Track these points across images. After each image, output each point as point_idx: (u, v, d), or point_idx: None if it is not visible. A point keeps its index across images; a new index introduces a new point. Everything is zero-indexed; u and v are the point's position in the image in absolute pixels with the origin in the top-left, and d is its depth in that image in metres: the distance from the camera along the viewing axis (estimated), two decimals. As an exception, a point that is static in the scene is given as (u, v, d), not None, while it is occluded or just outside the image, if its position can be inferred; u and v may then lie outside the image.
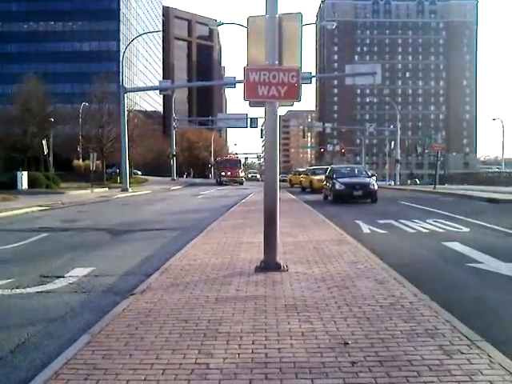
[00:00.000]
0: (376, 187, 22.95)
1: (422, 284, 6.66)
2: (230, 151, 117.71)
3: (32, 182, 37.49)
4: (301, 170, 58.56)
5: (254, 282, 6.80)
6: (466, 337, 4.53)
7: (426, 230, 13.07)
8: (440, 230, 12.98)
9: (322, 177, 29.22)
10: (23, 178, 37.12)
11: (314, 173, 37.22)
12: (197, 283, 6.83)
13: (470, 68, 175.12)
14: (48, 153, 44.99)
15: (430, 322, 4.98)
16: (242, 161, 73.56)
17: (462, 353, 4.16)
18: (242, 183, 56.28)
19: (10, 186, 35.55)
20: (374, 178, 25.35)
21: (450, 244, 10.54)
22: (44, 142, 43.67)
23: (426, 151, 67.39)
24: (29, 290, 7.12)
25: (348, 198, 22.54)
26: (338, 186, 22.89)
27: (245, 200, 26.10)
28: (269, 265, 7.55)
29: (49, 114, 59.35)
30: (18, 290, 7.08)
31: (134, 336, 4.75)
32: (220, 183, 55.57)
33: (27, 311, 6.14)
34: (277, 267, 7.52)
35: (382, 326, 4.91)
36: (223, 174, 57.16)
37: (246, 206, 21.88)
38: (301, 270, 7.58)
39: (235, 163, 59.62)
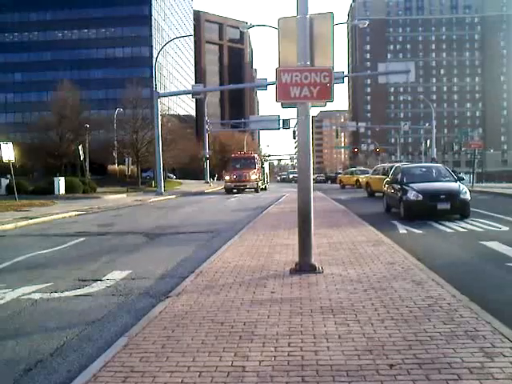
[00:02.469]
0: (469, 196, 15.49)
1: (461, 285, 6.53)
2: (262, 153, 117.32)
3: (69, 188, 38.14)
4: (353, 168, 53.64)
5: (288, 284, 6.77)
6: (508, 339, 4.41)
7: (464, 230, 12.81)
8: (478, 230, 12.71)
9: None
10: (60, 183, 37.81)
11: (388, 172, 24.13)
12: (232, 285, 6.84)
13: (507, 63, 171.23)
14: (84, 158, 45.75)
15: (469, 324, 4.88)
16: (278, 162, 65.85)
17: (505, 355, 4.05)
18: (256, 190, 40.09)
19: (48, 191, 36.27)
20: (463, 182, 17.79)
21: (488, 243, 10.32)
22: (80, 147, 44.44)
23: (463, 149, 66.20)
24: (67, 293, 7.24)
25: (429, 214, 15.18)
26: (412, 196, 15.37)
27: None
28: (304, 266, 7.51)
29: (84, 120, 60.47)
30: (56, 294, 7.20)
31: (170, 338, 4.79)
32: (226, 190, 40.62)
33: (66, 314, 6.24)
34: (312, 269, 7.47)
35: (420, 327, 4.82)
36: (227, 177, 41.59)
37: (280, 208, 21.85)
38: (336, 271, 7.51)
39: (247, 162, 42.02)
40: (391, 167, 23.54)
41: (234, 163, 42.64)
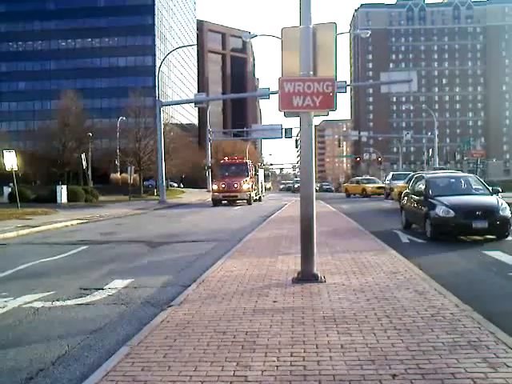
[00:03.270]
0: (509, 213, 12.71)
1: (464, 294, 6.51)
2: (264, 162, 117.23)
3: (71, 196, 38.18)
4: (359, 177, 52.02)
5: (291, 294, 6.75)
6: (512, 349, 4.39)
7: (467, 239, 12.78)
8: (481, 239, 12.68)
9: None
10: (63, 191, 37.85)
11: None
12: (234, 294, 6.82)
13: (509, 73, 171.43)
14: (87, 167, 45.93)
15: (472, 334, 4.86)
16: (280, 170, 61.92)
17: (509, 366, 4.02)
18: (249, 201, 34.20)
19: (50, 199, 36.32)
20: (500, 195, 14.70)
21: (491, 253, 10.30)
22: (83, 156, 44.61)
23: (465, 158, 66.18)
24: (69, 302, 7.22)
25: (462, 233, 12.95)
26: (441, 212, 12.71)
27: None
28: (306, 276, 7.50)
29: (87, 129, 60.69)
30: (58, 303, 7.18)
31: (172, 348, 4.77)
32: (214, 202, 34.51)
33: (67, 323, 6.22)
34: (314, 278, 7.46)
35: (423, 337, 4.80)
36: (215, 187, 35.34)
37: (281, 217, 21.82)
38: (339, 280, 7.50)
39: (238, 169, 36.32)
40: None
41: (222, 170, 37.11)
